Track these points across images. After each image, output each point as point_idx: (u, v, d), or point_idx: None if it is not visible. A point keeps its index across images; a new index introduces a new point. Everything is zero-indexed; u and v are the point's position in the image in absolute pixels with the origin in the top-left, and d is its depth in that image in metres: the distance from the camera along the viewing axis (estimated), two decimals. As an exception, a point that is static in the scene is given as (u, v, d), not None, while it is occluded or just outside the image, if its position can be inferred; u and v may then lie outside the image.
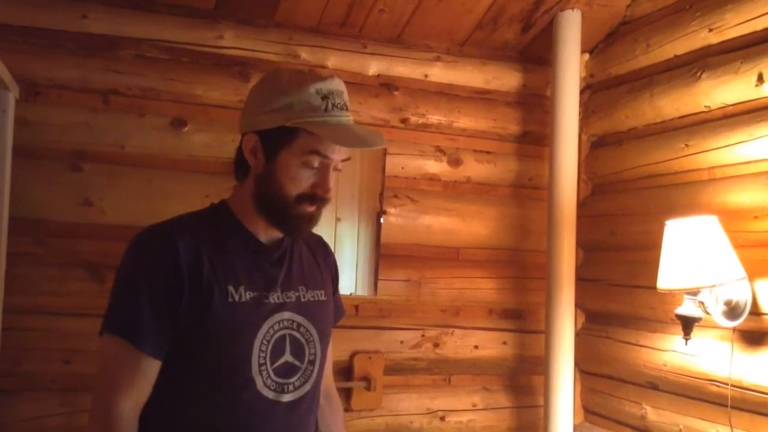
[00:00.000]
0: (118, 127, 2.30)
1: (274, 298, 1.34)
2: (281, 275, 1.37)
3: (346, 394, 2.48)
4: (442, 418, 2.66)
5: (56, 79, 2.25)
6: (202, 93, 2.39)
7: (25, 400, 2.19)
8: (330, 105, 1.28)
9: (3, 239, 2.04)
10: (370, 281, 2.58)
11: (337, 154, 1.30)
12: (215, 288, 1.27)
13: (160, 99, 2.35)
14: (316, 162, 1.29)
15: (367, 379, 2.50)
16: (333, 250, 1.63)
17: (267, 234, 1.38)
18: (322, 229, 1.48)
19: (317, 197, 1.31)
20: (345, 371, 2.50)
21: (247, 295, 1.31)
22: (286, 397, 1.33)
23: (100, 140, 2.28)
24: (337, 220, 2.54)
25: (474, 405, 2.70)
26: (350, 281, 2.56)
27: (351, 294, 2.53)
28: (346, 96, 1.33)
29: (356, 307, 2.52)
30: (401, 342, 2.61)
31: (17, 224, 2.13)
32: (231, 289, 1.29)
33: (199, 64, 2.39)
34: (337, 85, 1.32)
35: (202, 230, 1.33)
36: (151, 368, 1.26)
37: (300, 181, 1.30)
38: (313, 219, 1.34)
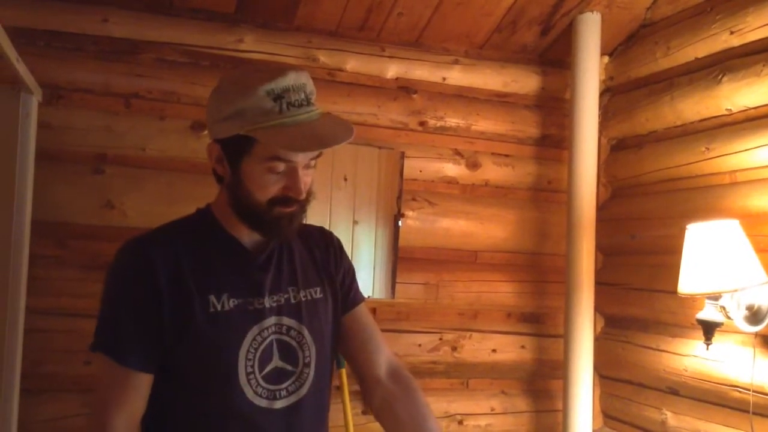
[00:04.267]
0: (139, 130, 2.33)
1: (261, 303, 1.29)
2: (268, 279, 1.31)
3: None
4: (460, 422, 2.65)
5: (78, 82, 2.28)
6: (221, 96, 2.41)
7: (46, 400, 2.21)
8: (285, 105, 1.18)
9: (25, 241, 2.06)
10: (387, 284, 2.59)
11: (302, 155, 1.21)
12: (195, 299, 1.24)
13: (181, 102, 2.37)
14: (280, 167, 1.21)
15: (384, 382, 2.49)
16: (350, 252, 1.57)
17: (251, 237, 1.31)
18: (340, 232, 1.43)
19: (291, 199, 1.24)
20: (363, 374, 2.50)
21: (231, 303, 1.26)
22: (279, 404, 1.28)
23: (121, 143, 2.31)
24: (355, 223, 2.54)
25: (492, 409, 2.69)
26: (368, 284, 2.57)
27: (368, 297, 2.53)
28: (308, 88, 1.22)
29: (374, 310, 2.51)
30: (419, 345, 2.61)
31: (39, 227, 2.15)
32: (212, 299, 1.25)
33: (219, 67, 2.41)
34: (294, 80, 1.20)
35: (182, 239, 1.29)
36: (141, 383, 1.24)
37: (268, 187, 1.22)
38: (293, 219, 1.26)
